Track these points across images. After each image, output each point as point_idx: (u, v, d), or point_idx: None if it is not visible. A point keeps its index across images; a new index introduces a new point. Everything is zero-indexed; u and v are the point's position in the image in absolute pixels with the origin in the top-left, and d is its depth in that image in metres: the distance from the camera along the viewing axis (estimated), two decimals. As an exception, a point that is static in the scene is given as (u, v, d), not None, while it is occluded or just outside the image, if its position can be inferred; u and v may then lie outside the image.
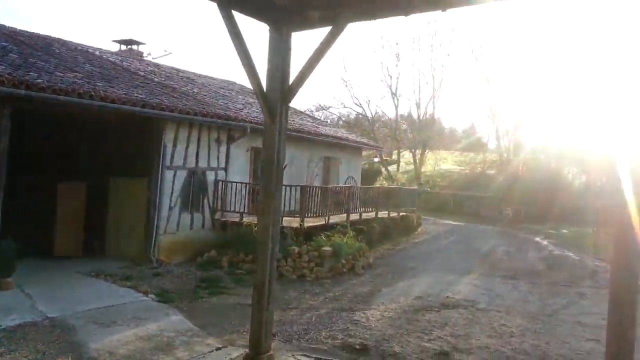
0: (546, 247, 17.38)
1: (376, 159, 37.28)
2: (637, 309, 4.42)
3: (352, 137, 21.56)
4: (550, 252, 16.36)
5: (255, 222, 9.32)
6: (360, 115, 41.46)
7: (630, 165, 4.22)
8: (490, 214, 27.18)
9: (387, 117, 41.77)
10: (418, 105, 38.44)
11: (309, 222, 12.39)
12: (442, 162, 42.91)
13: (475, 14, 52.09)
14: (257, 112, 14.30)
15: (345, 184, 17.71)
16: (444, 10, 4.98)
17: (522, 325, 7.58)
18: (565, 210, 24.44)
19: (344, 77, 47.63)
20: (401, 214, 18.08)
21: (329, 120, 39.89)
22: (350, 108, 41.50)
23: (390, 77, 38.17)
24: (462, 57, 56.96)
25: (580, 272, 12.70)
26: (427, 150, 38.81)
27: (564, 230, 21.83)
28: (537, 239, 19.67)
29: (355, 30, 58.47)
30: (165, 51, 23.16)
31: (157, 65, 16.86)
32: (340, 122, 42.00)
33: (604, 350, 4.25)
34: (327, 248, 11.21)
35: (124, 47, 18.91)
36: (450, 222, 24.45)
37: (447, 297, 9.21)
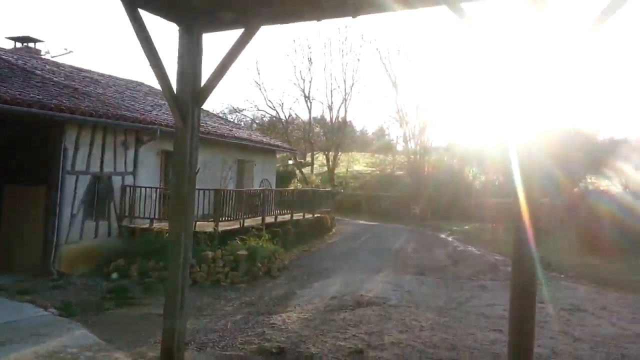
0: (451, 243, 18.37)
1: (290, 162, 37.43)
2: (536, 300, 4.79)
3: (266, 139, 21.50)
4: (455, 247, 17.31)
5: (167, 228, 9.01)
6: (274, 118, 41.47)
7: (520, 165, 4.56)
8: (400, 213, 28.26)
9: (300, 120, 42.14)
10: (330, 109, 39.18)
11: (224, 226, 12.19)
12: (354, 164, 44.01)
13: (384, 21, 54.04)
14: (167, 114, 13.83)
15: (260, 186, 17.62)
16: (354, 16, 5.10)
17: (431, 319, 7.94)
18: (468, 208, 26.01)
19: (258, 79, 47.43)
20: (316, 215, 18.30)
21: (242, 123, 39.52)
22: (264, 111, 41.41)
23: (303, 80, 38.56)
24: (372, 62, 58.73)
25: (482, 266, 13.55)
26: (340, 153, 39.59)
27: (467, 227, 23.18)
28: (443, 235, 20.76)
29: (269, 33, 58.42)
30: (66, 49, 21.69)
31: (56, 65, 15.79)
32: (254, 125, 41.76)
33: (507, 339, 4.54)
34: (242, 252, 11.08)
35: (19, 45, 17.51)
36: (363, 222, 25.13)
37: (361, 295, 9.44)
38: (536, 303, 4.74)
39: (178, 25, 5.19)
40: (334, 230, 20.26)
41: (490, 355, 6.31)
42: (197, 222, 11.00)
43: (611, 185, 21.17)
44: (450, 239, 19.85)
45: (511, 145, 4.65)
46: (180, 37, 5.21)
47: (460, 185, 29.12)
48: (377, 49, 40.47)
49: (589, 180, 23.33)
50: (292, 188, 23.03)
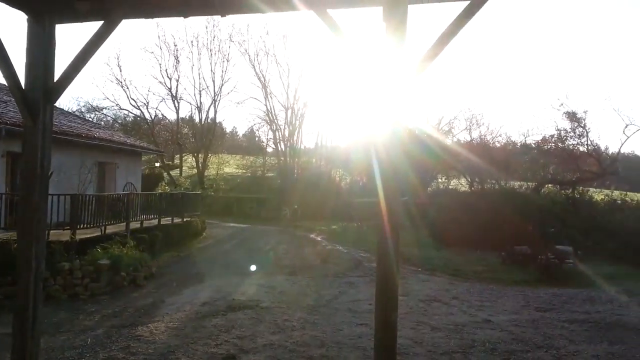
0: (320, 243, 18.95)
1: (157, 164, 35.80)
2: (398, 293, 5.13)
3: (130, 141, 20.32)
4: (324, 247, 17.87)
5: (15, 239, 8.09)
6: (138, 118, 39.36)
7: (380, 167, 4.86)
8: (271, 214, 28.46)
9: (168, 121, 40.50)
10: (200, 109, 38.24)
11: (83, 235, 11.26)
12: (225, 166, 43.38)
13: (253, 22, 54.01)
14: (14, 112, 12.44)
15: (123, 190, 16.59)
16: (222, 15, 5.03)
17: (302, 318, 8.11)
18: (336, 208, 27.01)
19: (119, 76, 44.23)
20: (185, 219, 17.73)
21: (102, 123, 36.91)
22: (127, 110, 39.11)
23: (170, 79, 37.19)
24: (242, 63, 58.45)
25: (349, 264, 14.18)
26: (209, 155, 38.78)
27: (334, 227, 24.06)
28: (312, 235, 21.32)
29: (132, 27, 55.17)
30: None
31: None
32: (117, 125, 39.22)
33: (372, 332, 4.77)
34: (104, 261, 10.35)
35: None
36: (235, 224, 24.87)
37: (234, 299, 9.34)
38: (397, 297, 5.08)
39: (26, 13, 4.69)
40: (204, 234, 19.78)
41: (357, 349, 6.61)
42: (51, 231, 10.04)
43: (459, 184, 23.44)
44: (319, 238, 20.45)
45: (373, 149, 4.92)
46: (30, 27, 4.72)
47: (328, 186, 30.16)
48: (245, 50, 40.35)
49: (440, 180, 25.62)
50: (159, 191, 22.04)
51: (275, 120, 35.00)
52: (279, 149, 35.52)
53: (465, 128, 24.55)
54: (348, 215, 23.41)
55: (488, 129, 23.70)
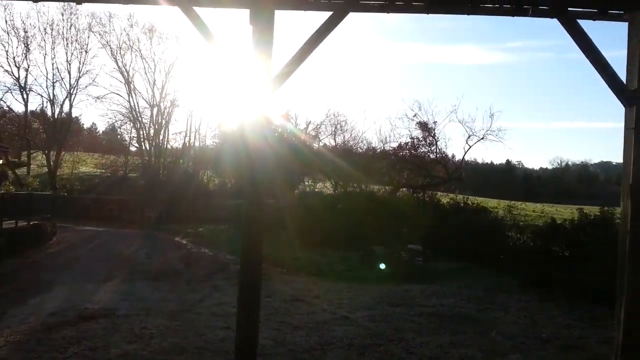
0: (185, 246, 18.46)
1: (1, 161, 32.00)
2: (261, 294, 5.22)
3: (-36, 133, 17.95)
4: (189, 250, 17.45)
5: None
6: (-24, 109, 34.85)
7: (249, 170, 4.95)
8: (133, 217, 27.04)
9: (14, 114, 36.43)
10: (52, 103, 35.00)
11: None
12: (81, 165, 40.15)
13: (117, 13, 50.70)
14: None
15: (-46, 190, 14.61)
16: (78, 2, 4.75)
17: (162, 325, 7.84)
18: (203, 210, 26.48)
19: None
20: (33, 223, 16.13)
21: None
22: (-38, 99, 34.42)
23: (18, 68, 33.56)
24: (103, 56, 54.56)
25: (215, 267, 14.01)
26: (63, 152, 35.65)
27: (201, 229, 23.58)
28: (178, 239, 20.68)
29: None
30: None
31: None
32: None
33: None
34: None
35: None
36: (92, 228, 23.20)
37: (86, 308, 8.72)
38: (261, 297, 5.18)
39: None
40: (55, 238, 18.16)
41: (219, 353, 6.58)
42: None
43: (324, 187, 24.36)
44: (184, 241, 19.90)
45: (240, 151, 4.99)
46: None
47: (196, 188, 29.44)
48: (107, 42, 37.74)
49: (307, 183, 26.39)
50: (1, 192, 19.72)
51: (140, 118, 33.30)
52: (144, 148, 33.86)
53: (331, 133, 25.67)
54: (217, 218, 23.09)
55: (351, 134, 24.97)
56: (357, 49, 66.69)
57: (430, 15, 5.33)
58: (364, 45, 67.25)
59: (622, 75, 5.30)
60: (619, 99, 5.29)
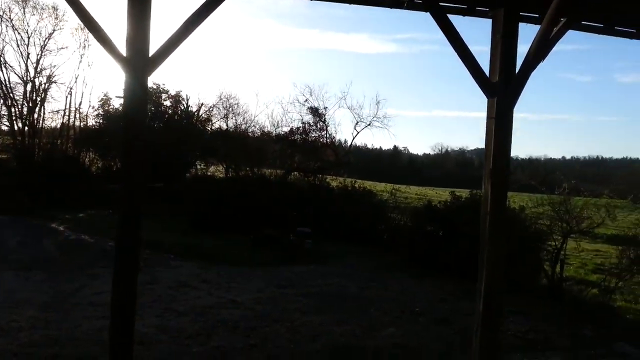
0: (62, 233, 17.20)
1: None
2: (137, 281, 5.05)
3: None
4: (67, 237, 16.30)
5: None
6: None
7: (126, 153, 4.75)
8: (4, 203, 24.59)
9: None
10: None
11: None
12: None
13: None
14: None
15: None
16: None
17: (33, 317, 7.33)
18: (85, 195, 24.78)
19: None
20: None
21: None
22: None
23: None
24: (-36, 21, 48.55)
25: (95, 254, 13.24)
26: None
27: (82, 215, 22.10)
28: (54, 225, 19.20)
29: None
30: None
31: None
32: None
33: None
34: None
35: None
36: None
37: (-58, 304, 7.88)
38: (137, 285, 5.02)
39: None
40: None
41: (96, 344, 6.30)
42: None
43: (217, 171, 23.93)
44: (61, 228, 18.53)
45: (123, 133, 4.78)
46: None
47: (75, 170, 27.43)
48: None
49: (199, 167, 25.70)
50: None
51: (11, 95, 30.12)
52: (16, 127, 30.74)
53: (224, 116, 25.14)
54: (99, 203, 21.76)
55: (244, 118, 24.67)
56: (252, 32, 65.91)
57: (325, 2, 5.41)
58: (259, 29, 66.65)
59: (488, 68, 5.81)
60: (482, 91, 5.79)
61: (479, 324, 5.63)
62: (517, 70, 5.54)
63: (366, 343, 6.87)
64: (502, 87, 5.54)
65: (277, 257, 13.43)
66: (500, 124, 5.59)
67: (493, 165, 5.64)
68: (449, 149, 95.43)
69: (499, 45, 5.57)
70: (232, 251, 14.50)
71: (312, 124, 21.67)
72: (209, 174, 23.96)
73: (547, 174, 10.82)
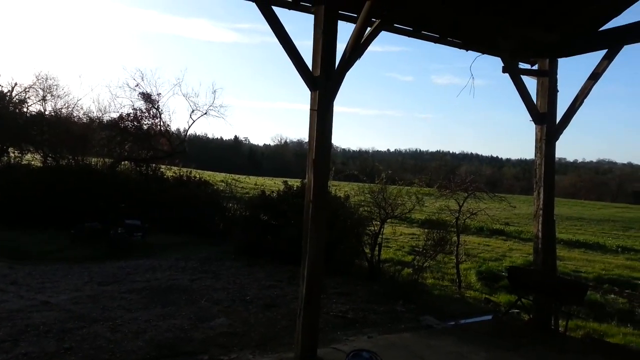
0: None
1: None
2: None
3: None
4: None
5: None
6: None
7: None
8: None
9: None
10: None
11: None
12: None
13: None
14: None
15: None
16: None
17: None
18: None
19: None
20: None
21: None
22: None
23: None
24: None
25: None
26: None
27: None
28: None
29: None
30: None
31: None
32: None
33: None
34: None
35: None
36: None
37: None
38: None
39: None
40: None
41: None
42: None
43: (33, 159, 21.32)
44: None
45: None
46: None
47: None
48: None
49: (12, 155, 22.65)
50: None
51: None
52: None
53: (41, 99, 22.44)
54: None
55: (65, 101, 22.28)
56: (76, 8, 59.84)
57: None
58: (85, 4, 60.76)
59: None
60: (306, 84, 6.01)
61: (301, 307, 5.88)
62: (336, 66, 5.85)
63: (194, 335, 6.74)
64: (324, 81, 5.81)
65: (100, 253, 12.50)
66: (321, 116, 5.86)
67: (315, 155, 5.89)
68: (287, 140, 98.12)
69: (321, 40, 5.82)
70: (49, 247, 13.13)
71: (144, 110, 20.46)
72: (24, 163, 21.22)
73: (373, 165, 11.67)
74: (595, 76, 7.18)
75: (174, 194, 16.42)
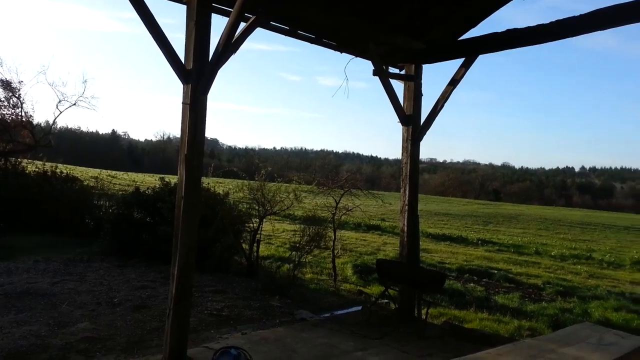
0: None
1: None
2: None
3: None
4: None
5: None
6: None
7: None
8: None
9: None
10: None
11: None
12: None
13: None
14: None
15: None
16: None
17: None
18: None
19: None
20: None
21: None
22: None
23: None
24: None
25: None
26: None
27: None
28: None
29: None
30: None
31: None
32: None
33: None
34: None
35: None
36: None
37: None
38: None
39: None
40: None
41: None
42: None
43: None
44: None
45: None
46: None
47: None
48: None
49: None
50: None
51: None
52: None
53: None
54: None
55: None
56: None
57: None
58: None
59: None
60: (178, 76, 5.82)
61: (170, 306, 5.70)
62: (210, 59, 5.74)
63: (52, 342, 6.23)
64: (196, 74, 5.67)
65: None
66: (194, 110, 5.72)
67: (188, 150, 5.74)
68: (171, 136, 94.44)
69: (193, 32, 5.68)
70: None
71: (3, 99, 18.49)
72: None
73: (259, 162, 11.63)
74: (454, 82, 7.82)
75: (36, 191, 15.01)
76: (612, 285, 14.39)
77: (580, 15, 6.07)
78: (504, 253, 20.19)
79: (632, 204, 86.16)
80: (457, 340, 7.20)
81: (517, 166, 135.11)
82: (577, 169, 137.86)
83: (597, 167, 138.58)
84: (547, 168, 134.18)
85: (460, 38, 7.99)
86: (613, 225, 38.88)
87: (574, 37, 6.44)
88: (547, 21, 6.42)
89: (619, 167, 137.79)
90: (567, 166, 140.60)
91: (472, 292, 11.72)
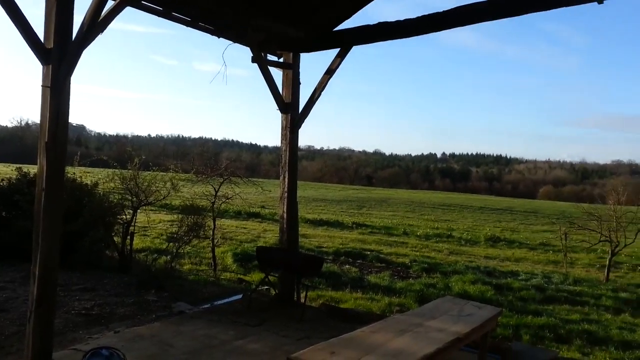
0: None
1: None
2: None
3: None
4: None
5: None
6: None
7: None
8: None
9: None
10: None
11: None
12: None
13: None
14: None
15: None
16: None
17: None
18: None
19: None
20: None
21: None
22: None
23: None
24: None
25: None
26: None
27: None
28: None
29: None
30: None
31: None
32: None
33: None
34: None
35: None
36: None
37: None
38: None
39: None
40: None
41: None
42: None
43: None
44: None
45: None
46: None
47: None
48: None
49: None
50: None
51: None
52: None
53: None
54: None
55: None
56: None
57: None
58: None
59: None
60: (36, 56, 5.28)
61: (31, 309, 5.24)
62: (73, 39, 5.29)
63: None
64: (58, 54, 5.20)
65: None
66: (55, 94, 5.25)
67: (48, 138, 5.26)
68: (29, 122, 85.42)
69: (54, 8, 5.19)
70: None
71: None
72: None
73: (132, 150, 10.94)
74: (330, 72, 8.04)
75: None
76: (469, 261, 15.95)
77: (444, 11, 6.62)
78: (376, 235, 21.39)
79: (486, 187, 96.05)
80: (334, 320, 7.51)
81: (387, 153, 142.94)
82: (439, 155, 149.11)
83: (456, 153, 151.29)
84: (413, 154, 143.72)
85: (336, 29, 8.21)
86: (470, 206, 42.95)
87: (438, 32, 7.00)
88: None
89: (474, 153, 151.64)
90: (430, 152, 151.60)
91: (348, 274, 12.26)
